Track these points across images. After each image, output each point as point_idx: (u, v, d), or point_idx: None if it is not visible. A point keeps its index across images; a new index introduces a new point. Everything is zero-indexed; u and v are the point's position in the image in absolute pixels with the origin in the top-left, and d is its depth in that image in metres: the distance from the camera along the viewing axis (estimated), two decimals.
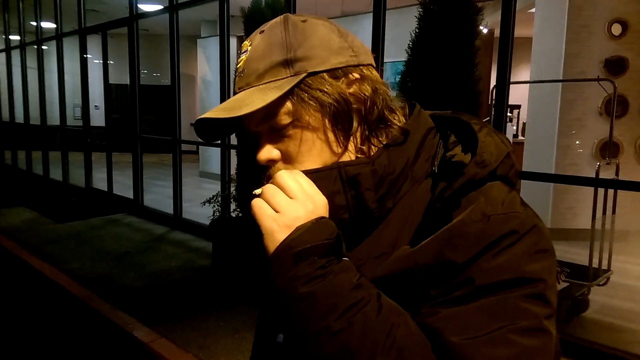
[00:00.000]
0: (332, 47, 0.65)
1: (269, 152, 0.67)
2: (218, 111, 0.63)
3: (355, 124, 0.66)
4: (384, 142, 0.67)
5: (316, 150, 0.66)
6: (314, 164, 0.66)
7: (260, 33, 0.67)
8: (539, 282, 0.56)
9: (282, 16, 0.68)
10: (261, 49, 0.65)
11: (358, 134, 0.67)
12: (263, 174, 0.69)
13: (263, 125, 0.67)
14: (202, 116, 0.64)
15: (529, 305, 0.55)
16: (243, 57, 0.67)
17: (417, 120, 0.69)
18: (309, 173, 0.64)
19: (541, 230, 0.59)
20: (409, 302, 0.59)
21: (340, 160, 0.67)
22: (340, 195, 0.64)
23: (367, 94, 0.65)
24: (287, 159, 0.67)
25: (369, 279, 0.60)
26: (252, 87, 0.65)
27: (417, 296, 0.59)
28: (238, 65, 0.68)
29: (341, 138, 0.66)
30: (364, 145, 0.68)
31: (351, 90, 0.65)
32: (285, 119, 0.65)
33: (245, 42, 0.69)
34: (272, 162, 0.68)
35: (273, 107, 0.64)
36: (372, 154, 0.67)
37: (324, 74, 0.64)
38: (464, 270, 0.56)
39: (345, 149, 0.67)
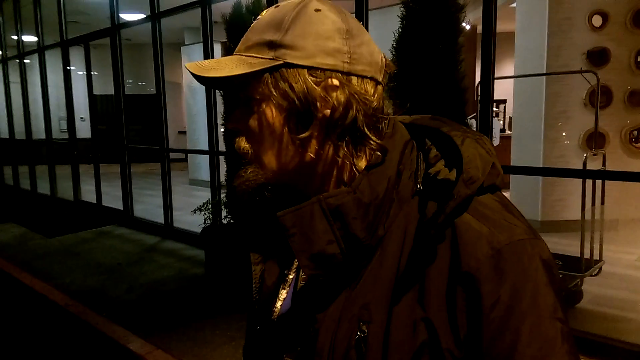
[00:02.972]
0: (326, 46, 0.62)
1: (236, 120, 0.68)
2: (198, 67, 0.65)
3: (311, 130, 0.63)
4: (365, 162, 0.65)
5: (272, 138, 0.65)
6: (266, 152, 0.66)
7: (275, 7, 0.66)
8: (563, 318, 0.58)
9: (308, 1, 0.65)
10: (263, 23, 0.65)
11: (315, 141, 0.64)
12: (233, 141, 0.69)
13: (240, 93, 0.67)
14: (188, 67, 0.65)
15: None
16: (253, 24, 0.68)
17: (392, 138, 0.66)
18: (290, 212, 0.63)
19: (542, 245, 0.60)
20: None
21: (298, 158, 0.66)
22: (327, 229, 0.62)
23: (336, 103, 0.62)
24: (248, 135, 0.68)
25: (379, 322, 0.61)
26: (238, 54, 0.65)
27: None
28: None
29: (290, 138, 0.64)
30: (323, 151, 0.65)
31: (323, 94, 0.62)
32: (254, 95, 0.64)
33: (264, 11, 0.69)
34: (236, 129, 0.68)
35: (247, 80, 0.64)
36: (354, 182, 0.64)
37: (304, 69, 0.62)
38: (496, 322, 0.56)
39: (296, 151, 0.65)
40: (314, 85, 0.62)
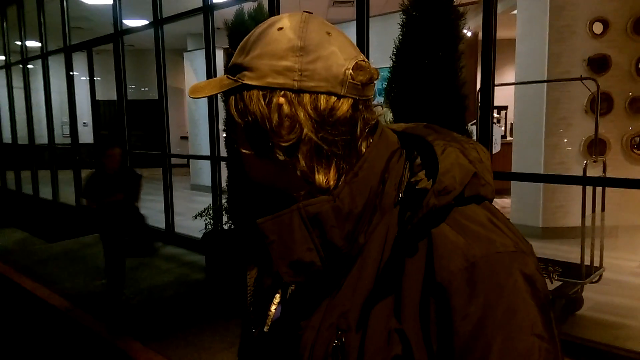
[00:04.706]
0: (277, 66, 0.62)
1: (232, 132, 0.71)
2: (193, 89, 0.69)
3: (265, 147, 0.65)
4: (333, 174, 0.64)
5: (243, 151, 0.68)
6: (243, 162, 0.70)
7: (257, 26, 0.68)
8: (544, 335, 0.55)
9: (278, 19, 0.66)
10: (241, 45, 0.68)
11: (273, 156, 0.65)
12: None
13: None
14: (190, 89, 0.70)
15: None
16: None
17: (377, 146, 0.66)
18: (269, 220, 0.63)
19: (525, 259, 0.58)
20: None
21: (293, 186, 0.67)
22: (305, 237, 0.62)
23: (278, 120, 0.62)
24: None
25: (355, 326, 0.60)
26: (225, 74, 0.69)
27: None
28: None
29: (253, 153, 0.67)
30: (282, 165, 0.65)
31: (270, 113, 0.63)
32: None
33: None
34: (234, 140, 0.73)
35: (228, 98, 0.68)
36: (336, 189, 0.64)
37: (258, 90, 0.63)
38: (465, 336, 0.55)
39: (261, 164, 0.68)
40: (264, 105, 0.63)
